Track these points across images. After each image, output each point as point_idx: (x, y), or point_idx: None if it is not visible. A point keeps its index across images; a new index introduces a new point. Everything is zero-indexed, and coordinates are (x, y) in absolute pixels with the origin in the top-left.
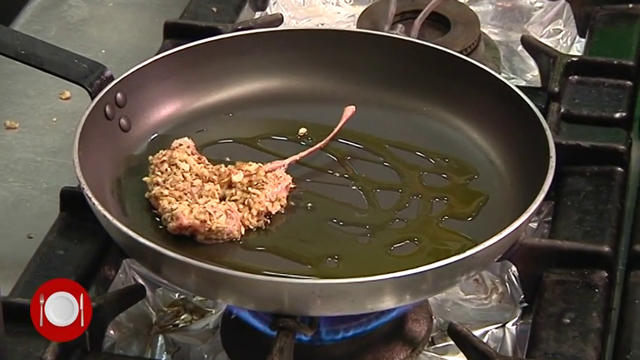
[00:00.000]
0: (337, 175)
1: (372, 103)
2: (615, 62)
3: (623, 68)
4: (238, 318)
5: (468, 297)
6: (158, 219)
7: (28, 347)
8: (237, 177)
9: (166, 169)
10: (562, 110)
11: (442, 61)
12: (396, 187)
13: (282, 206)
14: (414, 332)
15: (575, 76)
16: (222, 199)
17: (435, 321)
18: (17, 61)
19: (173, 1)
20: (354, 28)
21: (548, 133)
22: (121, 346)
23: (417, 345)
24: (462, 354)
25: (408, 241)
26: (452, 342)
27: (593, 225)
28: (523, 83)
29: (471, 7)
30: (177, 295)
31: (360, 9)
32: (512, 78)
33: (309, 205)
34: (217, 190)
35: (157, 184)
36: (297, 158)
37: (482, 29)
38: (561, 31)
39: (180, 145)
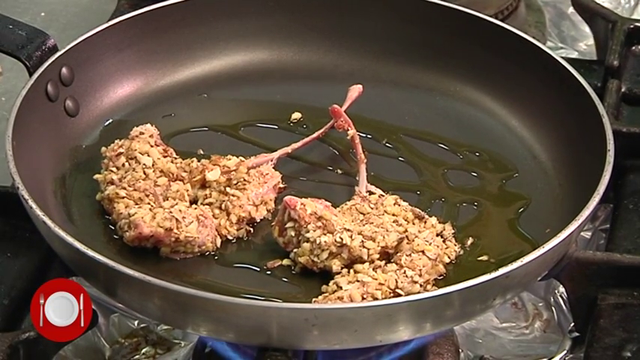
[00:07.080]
0: (339, 172)
1: (384, 81)
2: None
3: None
4: (214, 352)
5: (504, 325)
6: (112, 227)
7: None
8: (213, 174)
9: (123, 164)
10: (623, 89)
11: (472, 27)
12: (413, 187)
13: (268, 211)
14: None
15: None
16: (194, 202)
17: (462, 355)
18: None
19: None
20: None
21: (605, 118)
22: None
23: None
24: None
25: None
26: None
27: None
28: (574, 55)
29: None
30: (136, 323)
31: None
32: (561, 48)
33: None
34: (187, 190)
35: (112, 182)
36: (289, 151)
37: None
38: None
39: (142, 133)
